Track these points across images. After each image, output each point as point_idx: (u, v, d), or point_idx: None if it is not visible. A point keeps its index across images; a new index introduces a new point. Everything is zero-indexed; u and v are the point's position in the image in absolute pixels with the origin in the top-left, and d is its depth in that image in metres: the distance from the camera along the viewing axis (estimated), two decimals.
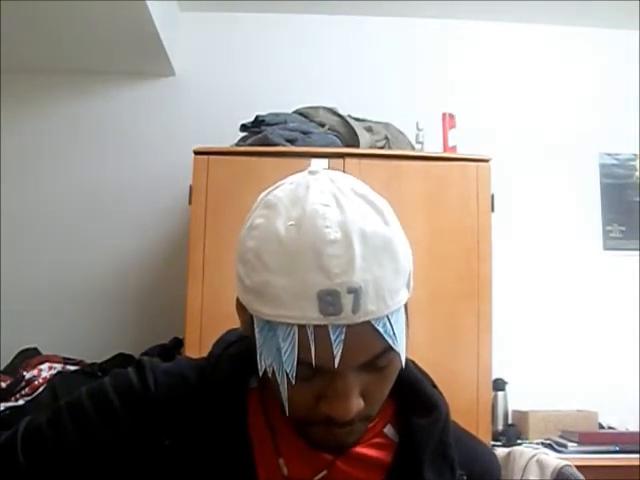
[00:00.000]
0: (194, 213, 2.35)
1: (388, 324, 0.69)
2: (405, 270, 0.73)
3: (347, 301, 0.67)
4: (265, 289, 0.69)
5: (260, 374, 0.71)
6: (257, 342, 0.71)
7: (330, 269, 0.67)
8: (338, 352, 0.67)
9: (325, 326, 0.67)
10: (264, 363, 0.70)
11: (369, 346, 0.70)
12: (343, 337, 0.67)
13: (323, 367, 0.69)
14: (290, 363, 0.67)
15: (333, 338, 0.67)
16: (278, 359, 0.68)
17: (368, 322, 0.68)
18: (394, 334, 0.69)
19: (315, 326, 0.67)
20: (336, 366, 0.67)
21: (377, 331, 0.68)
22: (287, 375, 0.68)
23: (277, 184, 0.77)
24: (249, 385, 0.84)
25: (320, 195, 0.71)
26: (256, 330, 0.71)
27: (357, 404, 0.72)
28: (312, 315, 0.67)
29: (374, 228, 0.70)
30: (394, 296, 0.70)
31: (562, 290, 2.89)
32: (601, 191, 2.99)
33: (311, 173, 0.75)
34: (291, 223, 0.69)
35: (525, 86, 3.05)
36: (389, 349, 0.70)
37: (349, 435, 0.76)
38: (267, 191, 0.77)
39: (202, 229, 2.32)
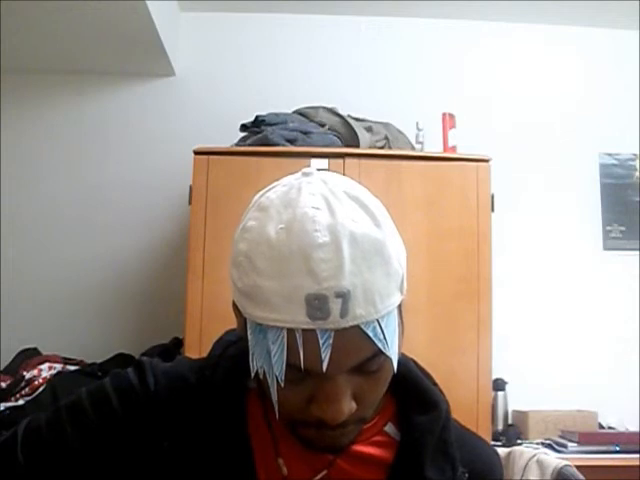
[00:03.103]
0: (194, 213, 2.35)
1: (378, 328, 0.68)
2: (397, 273, 0.72)
3: (335, 305, 0.66)
4: (256, 292, 0.69)
5: (252, 376, 0.71)
6: (249, 344, 0.71)
7: (318, 273, 0.66)
8: (326, 356, 0.66)
9: (313, 330, 0.66)
10: (256, 365, 0.70)
11: (359, 350, 0.69)
12: (331, 341, 0.67)
13: (312, 371, 0.69)
14: (279, 366, 0.67)
15: (321, 342, 0.66)
16: (268, 361, 0.68)
17: (357, 326, 0.67)
18: (384, 338, 0.69)
19: (304, 330, 0.67)
20: (324, 370, 0.67)
21: (367, 335, 0.68)
22: (277, 378, 0.68)
23: (271, 185, 0.77)
24: (248, 385, 0.83)
25: (311, 198, 0.70)
26: (248, 332, 0.71)
27: (349, 407, 0.71)
28: (300, 319, 0.66)
29: (365, 231, 0.69)
30: (385, 300, 0.69)
31: (562, 290, 2.89)
32: (601, 191, 2.99)
33: (305, 175, 0.75)
34: (281, 226, 0.69)
35: (525, 86, 3.05)
36: (380, 353, 0.70)
37: (342, 437, 0.76)
38: (261, 192, 0.77)
39: (202, 229, 2.33)
